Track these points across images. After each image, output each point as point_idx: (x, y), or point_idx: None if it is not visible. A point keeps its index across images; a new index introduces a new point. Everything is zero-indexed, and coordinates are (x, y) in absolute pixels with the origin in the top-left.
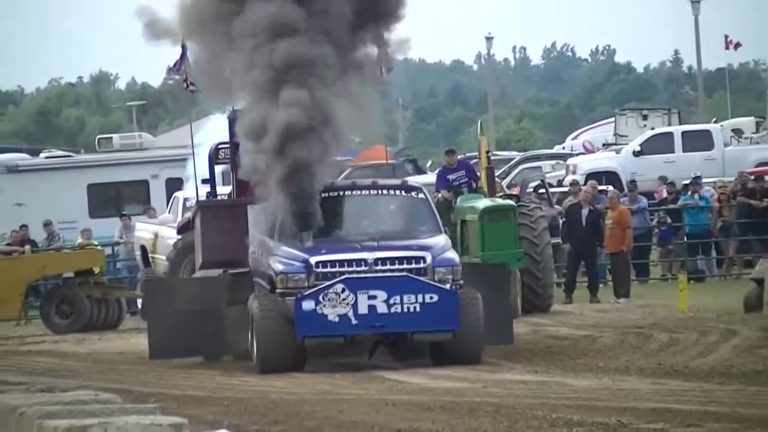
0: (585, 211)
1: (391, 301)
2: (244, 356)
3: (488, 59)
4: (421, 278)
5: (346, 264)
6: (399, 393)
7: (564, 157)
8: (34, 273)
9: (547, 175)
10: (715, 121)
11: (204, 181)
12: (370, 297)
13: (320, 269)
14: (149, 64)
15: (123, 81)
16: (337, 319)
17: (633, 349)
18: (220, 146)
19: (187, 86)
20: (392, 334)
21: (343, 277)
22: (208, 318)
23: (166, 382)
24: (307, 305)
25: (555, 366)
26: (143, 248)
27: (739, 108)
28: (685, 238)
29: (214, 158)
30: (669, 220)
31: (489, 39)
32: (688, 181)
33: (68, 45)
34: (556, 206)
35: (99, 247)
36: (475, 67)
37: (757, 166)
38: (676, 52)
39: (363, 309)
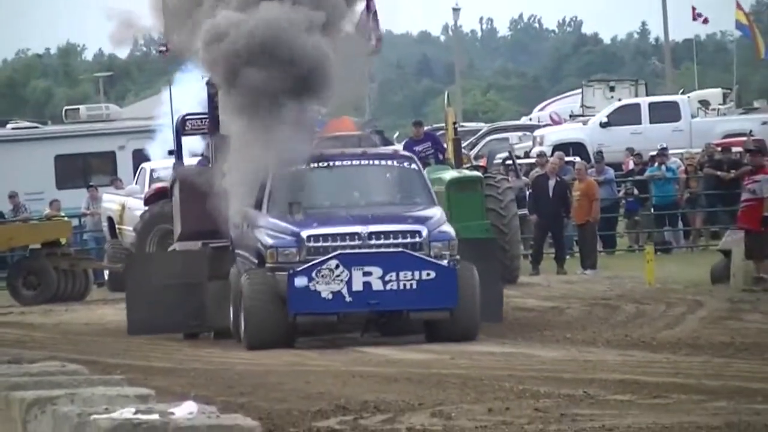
0: (552, 183)
1: (387, 278)
2: (225, 332)
3: (455, 30)
4: (418, 254)
5: (338, 238)
6: (366, 365)
7: (531, 128)
8: (0, 244)
9: (514, 147)
10: (683, 93)
11: (171, 153)
12: (365, 273)
13: (312, 243)
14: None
15: (90, 52)
16: (330, 296)
17: (600, 320)
18: (187, 117)
19: (165, 50)
20: (387, 313)
21: (337, 252)
22: (189, 293)
23: (133, 353)
24: (300, 281)
25: (522, 337)
26: (110, 219)
27: (706, 79)
28: (652, 210)
29: (181, 130)
30: (636, 192)
31: (456, 10)
32: (654, 153)
33: (35, 17)
34: (523, 178)
35: (66, 219)
36: (443, 38)
37: (724, 137)
38: (644, 23)
39: (358, 286)
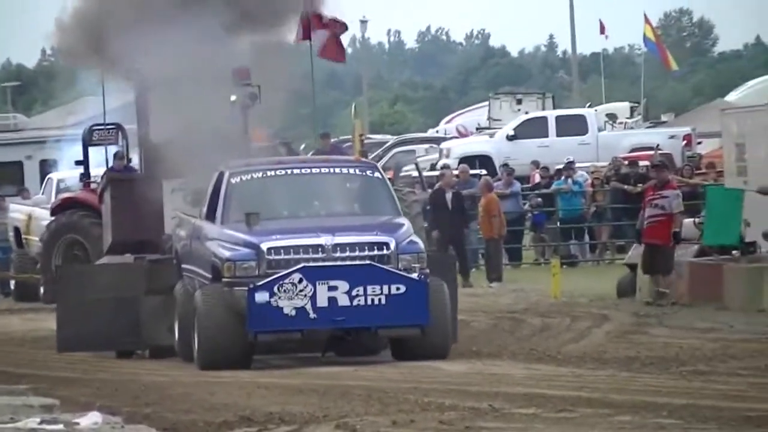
0: (449, 196)
1: (354, 293)
2: (161, 351)
3: (363, 42)
4: (386, 267)
5: (301, 250)
6: (271, 376)
7: (438, 140)
8: None
9: (421, 159)
10: (590, 106)
11: (78, 163)
12: (330, 288)
13: (272, 256)
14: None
15: None
16: (293, 313)
17: (505, 333)
18: (94, 128)
19: None
20: (354, 330)
21: (300, 266)
22: (123, 308)
23: (39, 363)
24: (261, 297)
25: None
26: (17, 229)
27: (613, 93)
28: (558, 223)
29: (88, 140)
30: (542, 204)
31: (363, 22)
32: (561, 166)
33: None
34: (429, 190)
35: None
36: (350, 50)
37: (631, 151)
38: (551, 36)
39: (322, 301)
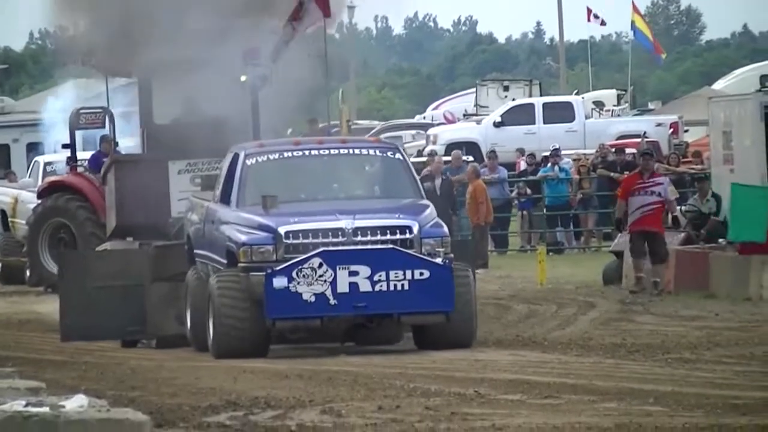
0: (438, 182)
1: (376, 278)
2: (168, 341)
3: (350, 28)
4: (409, 251)
5: (320, 234)
6: (257, 361)
7: (425, 127)
8: None
9: (407, 145)
10: (577, 93)
11: (65, 146)
12: (351, 273)
13: (290, 240)
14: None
15: None
16: (313, 299)
17: (491, 320)
18: (81, 111)
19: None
20: (376, 316)
21: (319, 250)
22: (129, 296)
23: (25, 345)
24: (279, 282)
25: (408, 335)
26: (2, 212)
27: (600, 80)
28: (545, 210)
29: (74, 124)
30: (528, 192)
31: (351, 8)
32: (548, 153)
33: None
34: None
35: None
36: (337, 35)
37: (618, 138)
38: (538, 23)
39: (343, 287)
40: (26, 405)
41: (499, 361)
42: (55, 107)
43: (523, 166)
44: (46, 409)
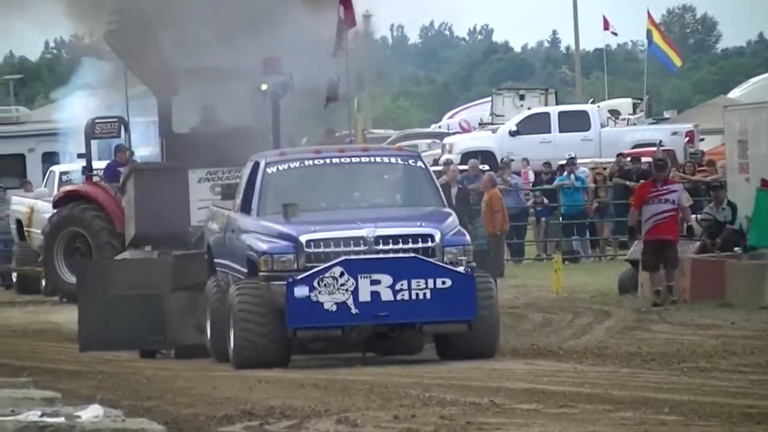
0: (454, 191)
1: (398, 287)
2: (187, 351)
3: (366, 37)
4: (432, 260)
5: (342, 243)
6: (272, 370)
7: (440, 136)
8: None
9: (423, 154)
10: (592, 102)
11: (80, 156)
12: (373, 282)
13: (312, 249)
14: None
15: (0, 55)
16: (334, 308)
17: (507, 329)
18: (96, 121)
19: None
20: (398, 326)
21: (341, 258)
22: (148, 306)
23: (41, 355)
24: (300, 291)
25: (428, 346)
26: (18, 222)
27: (616, 89)
28: (561, 219)
29: (90, 133)
30: (545, 201)
31: (367, 17)
32: (564, 162)
33: None
34: None
35: None
36: (353, 45)
37: (633, 147)
38: (554, 32)
39: (365, 296)
40: (42, 415)
41: (514, 370)
42: (72, 114)
43: (530, 176)
44: (61, 419)
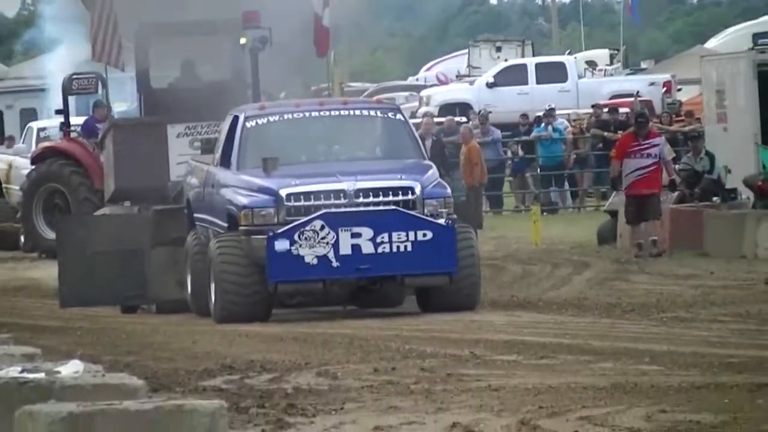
0: (428, 143)
1: (378, 240)
2: (168, 306)
3: None
4: (412, 212)
5: (322, 196)
6: (253, 325)
7: (417, 88)
8: None
9: (401, 107)
10: (569, 53)
11: (57, 112)
12: (354, 235)
13: (292, 203)
14: None
15: None
16: (315, 261)
17: (486, 281)
18: (74, 76)
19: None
20: (379, 278)
21: (321, 212)
22: (129, 261)
23: (21, 311)
24: (281, 245)
25: (408, 298)
26: None
27: (593, 40)
28: (539, 170)
29: (67, 89)
30: (520, 152)
31: None
32: (541, 113)
33: None
34: None
35: None
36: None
37: (611, 98)
38: None
39: (345, 249)
40: (22, 371)
41: (494, 322)
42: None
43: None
44: (41, 375)
